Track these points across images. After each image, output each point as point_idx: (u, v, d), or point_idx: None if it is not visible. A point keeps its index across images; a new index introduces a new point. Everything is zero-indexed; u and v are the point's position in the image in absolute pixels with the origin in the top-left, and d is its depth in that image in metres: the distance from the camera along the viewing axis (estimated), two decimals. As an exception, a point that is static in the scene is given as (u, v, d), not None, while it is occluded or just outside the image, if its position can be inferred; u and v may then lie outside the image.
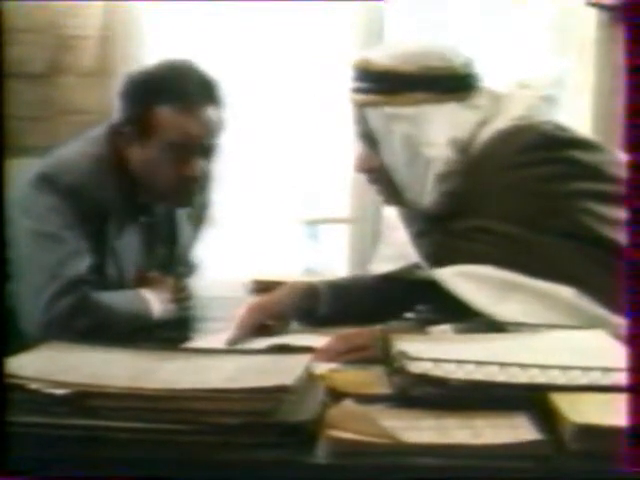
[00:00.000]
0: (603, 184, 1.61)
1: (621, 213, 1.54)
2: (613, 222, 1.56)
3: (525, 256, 1.57)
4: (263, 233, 3.91)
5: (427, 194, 1.71)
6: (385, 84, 1.72)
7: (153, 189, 1.92)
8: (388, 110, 1.71)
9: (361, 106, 1.75)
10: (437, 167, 1.69)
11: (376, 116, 1.73)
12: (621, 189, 1.53)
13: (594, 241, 1.56)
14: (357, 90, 1.76)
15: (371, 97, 1.73)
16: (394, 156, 1.73)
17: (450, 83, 1.72)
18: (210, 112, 1.89)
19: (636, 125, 1.04)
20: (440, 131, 1.69)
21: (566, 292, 1.51)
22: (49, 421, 0.98)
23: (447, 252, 1.67)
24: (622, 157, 1.61)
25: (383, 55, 1.74)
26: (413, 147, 1.70)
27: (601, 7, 3.14)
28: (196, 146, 1.89)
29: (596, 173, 1.63)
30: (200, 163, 1.91)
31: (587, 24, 3.20)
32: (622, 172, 1.56)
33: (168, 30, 3.35)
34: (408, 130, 1.70)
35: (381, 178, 1.79)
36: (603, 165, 1.64)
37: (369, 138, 1.76)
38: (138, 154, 1.90)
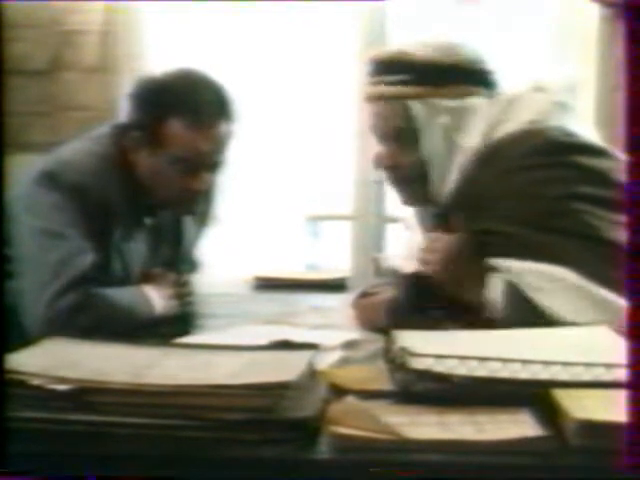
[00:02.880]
0: (606, 189, 1.62)
1: (623, 217, 1.54)
2: (615, 223, 1.56)
3: (530, 256, 1.57)
4: (266, 230, 3.91)
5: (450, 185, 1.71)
6: (429, 76, 1.70)
7: (156, 195, 1.92)
8: (432, 102, 1.69)
9: (400, 99, 1.71)
10: (464, 157, 1.68)
11: (419, 108, 1.70)
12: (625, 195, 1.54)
13: (597, 239, 1.57)
14: (394, 82, 1.72)
15: (415, 89, 1.70)
16: (433, 148, 1.71)
17: (484, 77, 1.73)
18: (222, 128, 1.87)
19: (636, 122, 1.03)
20: (476, 124, 1.69)
21: (568, 274, 1.53)
22: (51, 416, 0.99)
23: None
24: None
25: (421, 47, 1.71)
26: (452, 140, 1.69)
27: (604, 3, 3.14)
28: (205, 162, 1.88)
29: (600, 178, 1.63)
30: (207, 177, 1.90)
31: (590, 19, 3.20)
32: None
33: (170, 26, 3.35)
34: (451, 122, 1.69)
35: (408, 174, 1.77)
36: (608, 171, 1.64)
37: (403, 132, 1.73)
38: (144, 160, 1.89)
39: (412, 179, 1.77)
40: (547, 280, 1.54)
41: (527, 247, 1.59)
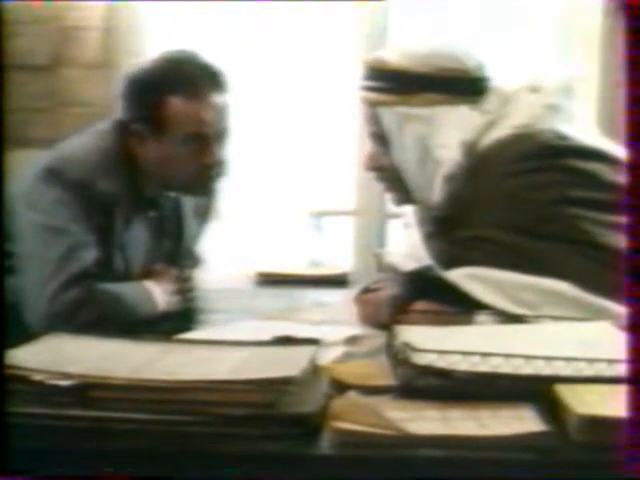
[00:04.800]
0: (600, 192, 1.61)
1: (617, 219, 1.54)
2: (609, 227, 1.56)
3: (523, 263, 1.57)
4: (268, 225, 3.91)
5: (435, 195, 1.72)
6: (399, 84, 1.72)
7: (171, 181, 1.93)
8: (401, 110, 1.72)
9: (374, 105, 1.75)
10: (446, 168, 1.69)
11: (389, 115, 1.74)
12: (620, 196, 1.53)
13: (590, 244, 1.56)
14: (370, 89, 1.76)
15: (385, 96, 1.73)
16: (405, 156, 1.74)
17: (463, 86, 1.73)
18: (218, 97, 1.90)
19: (636, 120, 1.03)
20: (451, 133, 1.70)
21: (565, 287, 1.52)
22: (53, 412, 0.98)
23: (450, 259, 1.67)
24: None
25: (397, 55, 1.74)
26: (424, 148, 1.72)
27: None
28: (211, 132, 1.89)
29: (594, 181, 1.63)
30: (216, 149, 1.91)
31: (593, 14, 3.19)
32: (624, 179, 1.56)
33: (171, 22, 3.35)
34: (420, 130, 1.71)
35: (391, 177, 1.80)
36: (603, 174, 1.64)
37: (380, 137, 1.77)
38: (152, 149, 1.89)
39: (392, 181, 1.80)
40: (542, 295, 1.53)
41: (520, 254, 1.58)
